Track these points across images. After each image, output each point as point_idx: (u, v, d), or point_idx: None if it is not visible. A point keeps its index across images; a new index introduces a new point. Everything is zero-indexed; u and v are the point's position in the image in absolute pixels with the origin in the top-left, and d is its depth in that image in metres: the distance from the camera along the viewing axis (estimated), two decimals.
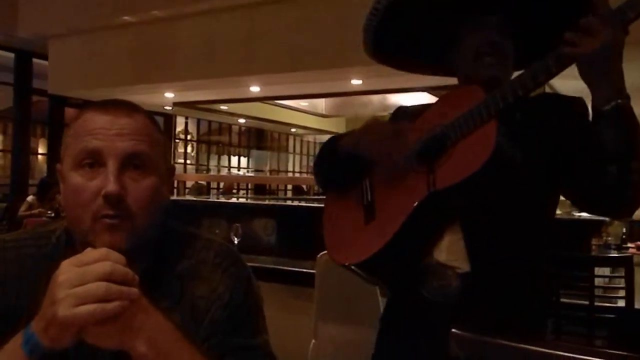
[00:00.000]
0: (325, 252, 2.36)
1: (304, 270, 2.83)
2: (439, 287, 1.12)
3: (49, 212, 6.48)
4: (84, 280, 0.63)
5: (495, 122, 1.05)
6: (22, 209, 6.50)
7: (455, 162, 1.08)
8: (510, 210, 1.11)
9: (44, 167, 8.75)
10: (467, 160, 1.05)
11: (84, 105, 0.86)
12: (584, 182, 1.05)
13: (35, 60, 7.83)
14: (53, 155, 8.52)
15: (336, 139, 1.30)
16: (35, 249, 0.84)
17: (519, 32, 1.16)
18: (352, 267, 1.21)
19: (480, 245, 1.09)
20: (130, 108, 0.82)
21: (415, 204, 1.09)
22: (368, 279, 1.32)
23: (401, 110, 1.34)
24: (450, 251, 1.11)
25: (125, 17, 4.87)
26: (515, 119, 1.10)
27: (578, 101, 1.14)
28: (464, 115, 1.08)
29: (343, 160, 1.22)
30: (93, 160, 0.77)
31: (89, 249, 0.68)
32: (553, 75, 1.03)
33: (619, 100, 0.97)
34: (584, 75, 0.99)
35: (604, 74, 0.97)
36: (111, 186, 0.75)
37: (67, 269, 0.65)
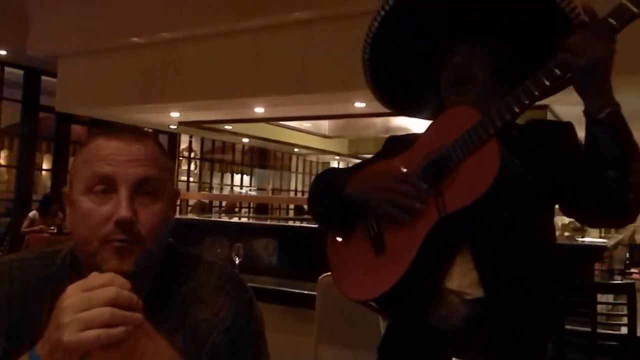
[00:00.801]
0: (327, 274, 2.37)
1: (305, 292, 2.82)
2: (447, 315, 1.09)
3: (52, 228, 6.49)
4: (90, 305, 0.64)
5: (496, 140, 1.05)
6: (25, 224, 6.50)
7: (463, 183, 1.06)
8: (518, 232, 1.09)
9: (48, 182, 8.79)
10: (474, 181, 1.04)
11: (92, 130, 0.88)
12: (585, 194, 1.05)
13: (43, 77, 7.93)
14: (58, 172, 8.57)
15: (332, 178, 1.29)
16: (40, 269, 0.85)
17: (502, 50, 1.18)
18: (370, 302, 1.18)
19: (491, 271, 1.07)
20: (139, 134, 0.83)
21: (426, 231, 1.07)
22: (380, 311, 1.30)
23: (392, 140, 1.34)
24: (462, 277, 1.09)
25: (134, 39, 4.94)
26: (514, 138, 1.10)
27: (568, 125, 1.16)
28: (464, 135, 1.08)
29: (347, 206, 1.20)
30: (105, 186, 0.78)
31: (94, 274, 0.69)
32: (547, 89, 1.03)
33: (612, 108, 0.99)
34: (579, 87, 1.01)
35: (598, 85, 0.99)
36: (124, 212, 0.76)
37: (73, 294, 0.65)
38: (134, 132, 0.83)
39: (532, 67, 1.06)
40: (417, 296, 1.12)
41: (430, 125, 1.22)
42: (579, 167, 1.04)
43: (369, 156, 1.38)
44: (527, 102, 1.03)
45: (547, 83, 1.01)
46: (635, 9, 0.95)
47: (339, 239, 1.28)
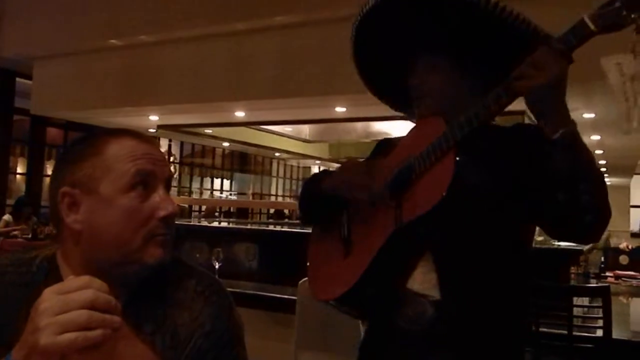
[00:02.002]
0: (307, 278, 2.37)
1: (285, 296, 2.81)
2: (414, 316, 1.13)
3: (25, 234, 6.36)
4: (66, 308, 0.63)
5: (452, 153, 1.09)
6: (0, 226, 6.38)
7: (419, 195, 1.11)
8: (478, 238, 1.12)
9: (22, 186, 8.61)
10: (429, 193, 1.09)
11: (103, 132, 0.86)
12: (545, 212, 1.08)
13: (17, 79, 7.78)
14: (32, 175, 8.40)
15: (317, 177, 1.35)
16: (16, 275, 0.83)
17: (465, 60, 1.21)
18: (331, 302, 1.24)
19: (451, 274, 1.11)
20: (150, 137, 0.89)
21: (384, 238, 1.13)
22: (349, 312, 1.34)
23: (384, 141, 1.39)
24: (422, 280, 1.13)
25: (112, 41, 4.88)
26: (479, 148, 1.12)
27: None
28: (427, 148, 1.12)
29: (321, 200, 1.28)
30: (146, 183, 0.80)
31: (71, 277, 0.68)
32: (504, 105, 1.06)
33: (567, 128, 1.00)
34: (533, 107, 1.02)
35: (553, 105, 1.00)
36: (172, 207, 0.81)
37: (49, 297, 0.64)
38: (145, 135, 0.87)
39: (500, 62, 1.11)
40: (377, 298, 1.17)
41: (407, 133, 1.27)
42: (536, 179, 1.06)
43: None
44: (484, 117, 1.08)
45: (504, 98, 1.05)
46: (592, 27, 0.96)
47: (318, 239, 1.34)
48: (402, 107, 1.41)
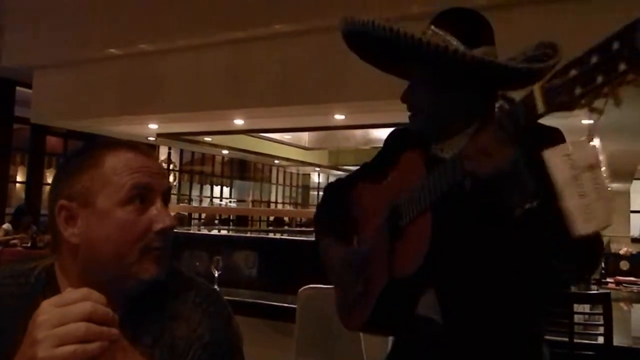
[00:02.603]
0: (307, 286, 2.36)
1: (285, 304, 2.80)
2: (424, 337, 1.16)
3: (24, 243, 6.36)
4: (65, 320, 0.63)
5: (428, 216, 1.06)
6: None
7: (405, 251, 1.13)
8: (474, 270, 1.12)
9: (22, 195, 8.61)
10: (411, 254, 1.09)
11: (98, 145, 0.86)
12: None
13: (17, 88, 7.80)
14: (32, 184, 8.40)
15: (325, 210, 1.43)
16: (14, 287, 0.83)
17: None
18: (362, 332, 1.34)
19: (451, 299, 1.13)
20: (148, 148, 0.89)
21: (380, 290, 1.16)
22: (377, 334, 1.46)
23: (397, 132, 1.35)
24: (426, 305, 1.15)
25: (112, 50, 4.90)
26: (464, 187, 1.06)
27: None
28: (410, 197, 1.11)
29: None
30: (143, 197, 0.80)
31: (69, 289, 0.68)
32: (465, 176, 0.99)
33: (527, 205, 0.93)
34: (487, 187, 0.95)
35: (504, 186, 0.94)
36: (169, 221, 0.80)
37: (47, 309, 0.64)
38: (143, 146, 0.87)
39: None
40: (389, 328, 1.25)
41: (398, 164, 1.23)
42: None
43: (349, 167, 1.43)
44: (446, 188, 1.01)
45: (460, 177, 0.99)
46: (540, 109, 0.83)
47: (338, 265, 1.37)
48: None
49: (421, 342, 1.17)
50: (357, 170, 1.45)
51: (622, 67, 0.73)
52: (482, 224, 1.10)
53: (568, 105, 0.79)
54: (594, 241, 0.95)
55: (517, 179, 0.93)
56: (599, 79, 0.75)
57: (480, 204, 1.07)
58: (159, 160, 0.98)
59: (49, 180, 8.60)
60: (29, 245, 6.32)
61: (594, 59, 0.76)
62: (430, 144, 1.20)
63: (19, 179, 8.86)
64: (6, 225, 6.60)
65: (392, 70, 1.29)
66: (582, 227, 0.84)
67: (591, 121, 4.74)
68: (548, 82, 0.81)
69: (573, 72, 0.78)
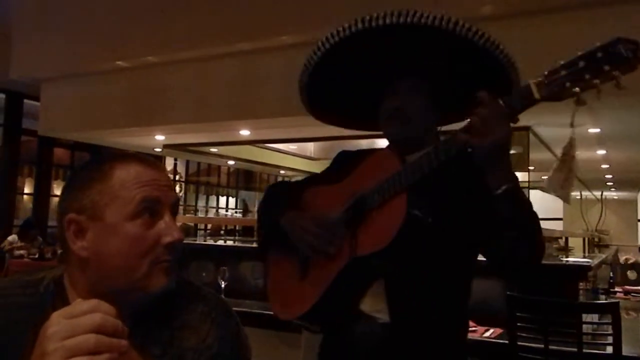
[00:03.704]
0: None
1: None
2: (364, 334, 1.20)
3: (33, 250, 6.38)
4: (74, 332, 0.63)
5: (405, 195, 1.16)
6: (4, 247, 6.41)
7: (372, 230, 1.18)
8: (426, 268, 1.20)
9: (30, 207, 8.65)
10: (382, 231, 1.16)
11: (109, 157, 0.84)
12: (483, 248, 1.20)
13: (25, 101, 7.87)
14: (39, 196, 8.45)
15: (276, 204, 1.38)
16: (23, 298, 0.84)
17: (439, 86, 1.27)
18: (293, 321, 1.31)
19: (400, 299, 1.19)
20: (156, 161, 0.87)
21: (340, 266, 1.20)
22: (308, 328, 1.43)
23: (343, 154, 1.44)
24: (373, 303, 1.20)
25: (119, 62, 4.94)
26: (429, 187, 1.18)
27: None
28: (382, 184, 1.19)
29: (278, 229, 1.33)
30: (152, 210, 0.80)
31: (78, 300, 0.68)
32: (453, 156, 1.12)
33: (509, 185, 1.08)
34: (478, 161, 1.09)
35: (496, 163, 1.08)
36: (177, 234, 0.81)
37: (57, 321, 0.64)
38: (152, 159, 0.87)
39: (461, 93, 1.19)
40: (332, 318, 1.27)
41: (363, 162, 1.31)
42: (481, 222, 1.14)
43: None
44: (435, 164, 1.13)
45: (453, 150, 1.11)
46: (536, 95, 1.02)
47: (276, 259, 1.40)
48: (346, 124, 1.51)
49: (359, 340, 1.20)
50: (302, 180, 1.52)
51: (607, 67, 0.96)
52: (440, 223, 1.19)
53: (558, 95, 1.00)
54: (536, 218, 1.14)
55: (507, 154, 1.09)
56: (587, 76, 0.97)
57: (444, 233, 1.19)
58: (166, 172, 0.99)
59: (57, 191, 8.64)
60: (36, 256, 6.34)
61: (582, 63, 0.98)
62: (403, 155, 1.27)
63: (26, 190, 8.92)
64: (12, 237, 6.63)
65: (356, 116, 1.42)
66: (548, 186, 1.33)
67: (597, 130, 4.74)
68: (542, 78, 1.02)
69: (563, 72, 1.00)
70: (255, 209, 12.25)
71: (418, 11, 1.12)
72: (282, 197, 1.40)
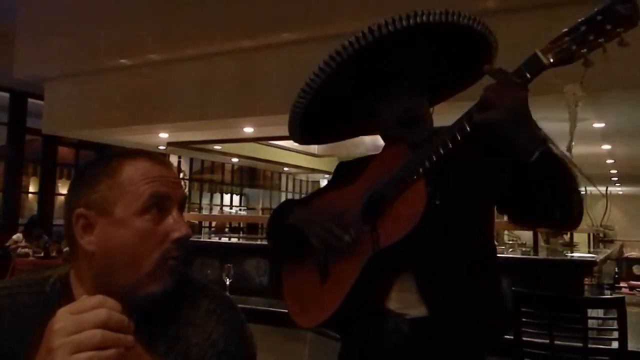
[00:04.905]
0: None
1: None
2: (388, 334, 1.17)
3: (37, 249, 6.42)
4: (80, 328, 0.63)
5: (423, 180, 1.15)
6: (9, 245, 6.44)
7: (394, 220, 1.16)
8: (454, 254, 1.18)
9: (34, 205, 8.69)
10: (404, 218, 1.14)
11: (118, 153, 0.85)
12: (520, 211, 1.17)
13: (29, 100, 7.90)
14: (44, 194, 8.48)
15: (282, 213, 1.36)
16: (29, 296, 0.84)
17: (434, 80, 1.28)
18: (317, 329, 1.30)
19: (435, 289, 1.16)
20: (164, 158, 0.88)
21: (362, 263, 1.17)
22: (331, 335, 1.39)
23: (343, 165, 1.43)
24: (400, 300, 1.17)
25: (122, 60, 4.95)
26: (448, 170, 1.16)
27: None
28: (397, 173, 1.17)
29: (290, 234, 1.29)
30: (160, 206, 0.81)
31: (84, 296, 0.68)
32: (469, 132, 1.10)
33: (541, 148, 1.05)
34: (501, 134, 1.06)
35: (518, 131, 1.05)
36: (185, 229, 0.81)
37: (63, 317, 0.65)
38: (160, 155, 0.89)
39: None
40: (358, 319, 1.22)
41: (373, 160, 1.30)
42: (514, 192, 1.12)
43: None
44: (450, 146, 1.11)
45: (467, 129, 1.09)
46: (545, 61, 1.02)
47: (291, 269, 1.36)
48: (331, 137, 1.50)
49: (386, 339, 1.17)
50: (307, 195, 1.49)
51: (609, 27, 0.98)
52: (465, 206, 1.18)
53: (566, 58, 1.02)
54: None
55: (529, 118, 1.06)
56: (591, 37, 1.00)
57: (467, 215, 1.18)
58: (174, 169, 1.00)
59: (61, 190, 8.68)
60: (41, 255, 6.37)
61: (583, 28, 1.01)
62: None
63: (31, 189, 8.96)
64: (16, 236, 6.67)
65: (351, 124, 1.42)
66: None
67: (602, 125, 4.72)
68: (547, 46, 1.03)
69: (567, 38, 1.02)
70: (260, 206, 12.27)
71: (425, 11, 1.12)
72: (289, 207, 1.37)
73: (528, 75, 1.03)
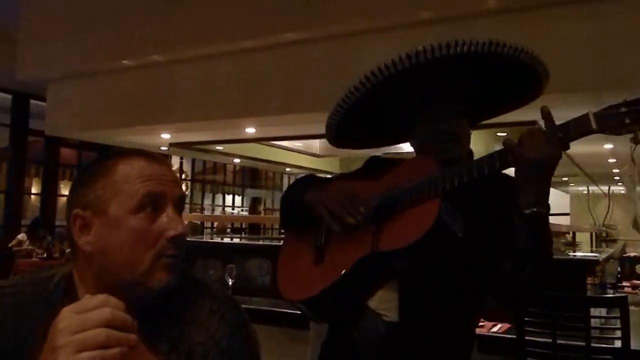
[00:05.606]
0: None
1: (299, 312, 2.80)
2: (368, 331, 1.19)
3: (39, 251, 6.43)
4: (85, 327, 0.64)
5: (439, 200, 1.14)
6: (13, 244, 6.46)
7: (398, 228, 1.17)
8: (445, 278, 1.19)
9: (37, 206, 8.71)
10: (408, 230, 1.14)
11: (114, 153, 0.85)
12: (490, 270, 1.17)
13: (32, 101, 7.92)
14: (47, 195, 8.50)
15: (302, 185, 1.37)
16: (33, 295, 0.84)
17: (469, 104, 1.28)
18: (297, 304, 1.29)
19: (412, 302, 1.18)
20: (162, 157, 0.88)
21: (358, 257, 1.18)
22: (313, 317, 1.41)
23: (374, 159, 1.44)
24: (381, 300, 1.20)
25: (124, 61, 4.95)
26: (460, 196, 1.16)
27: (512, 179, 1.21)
28: (417, 185, 1.17)
29: (302, 209, 1.30)
30: (155, 204, 0.80)
31: (88, 296, 0.69)
32: (495, 170, 1.10)
33: (539, 209, 1.05)
34: (517, 176, 1.06)
35: (534, 182, 1.04)
36: (181, 228, 0.81)
37: (67, 316, 0.65)
38: (157, 154, 0.87)
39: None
40: (339, 308, 1.24)
41: (403, 163, 1.31)
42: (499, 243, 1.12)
43: None
44: (476, 176, 1.11)
45: (498, 164, 1.08)
46: (594, 126, 0.99)
47: (293, 241, 1.39)
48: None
49: (363, 335, 1.20)
50: (330, 177, 1.51)
51: None
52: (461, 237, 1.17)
53: (616, 129, 0.98)
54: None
55: (549, 177, 1.05)
56: None
57: (467, 245, 1.17)
58: (171, 167, 1.00)
59: (64, 191, 8.70)
60: (44, 256, 6.39)
61: None
62: None
63: (34, 190, 8.98)
64: (21, 235, 6.70)
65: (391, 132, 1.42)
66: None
67: (611, 146, 4.70)
68: (601, 111, 1.00)
69: (624, 109, 0.98)
70: (261, 207, 12.29)
71: (466, 41, 1.11)
72: (308, 181, 1.39)
73: (573, 134, 1.01)
